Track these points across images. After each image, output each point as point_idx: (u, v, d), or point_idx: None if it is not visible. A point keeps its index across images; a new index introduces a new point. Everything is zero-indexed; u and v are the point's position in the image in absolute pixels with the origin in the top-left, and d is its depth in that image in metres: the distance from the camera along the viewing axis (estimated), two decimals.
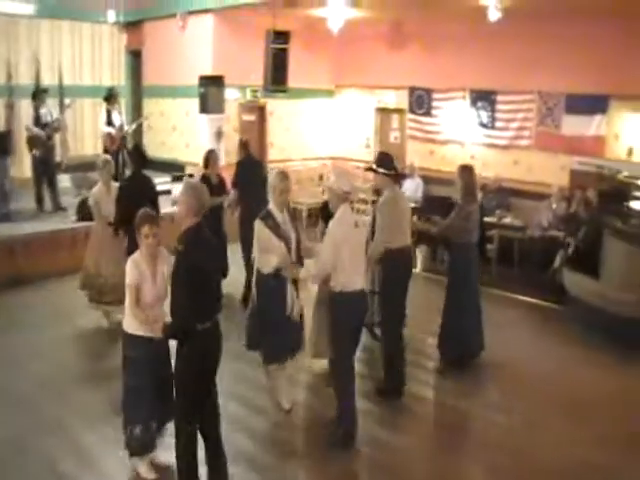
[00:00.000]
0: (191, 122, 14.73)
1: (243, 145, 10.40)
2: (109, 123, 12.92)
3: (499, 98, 13.65)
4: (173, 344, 5.09)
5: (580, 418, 6.93)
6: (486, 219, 11.12)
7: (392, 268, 7.02)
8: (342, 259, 5.78)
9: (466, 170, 7.71)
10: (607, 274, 9.49)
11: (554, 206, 11.76)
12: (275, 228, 6.25)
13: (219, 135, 13.99)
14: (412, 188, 13.49)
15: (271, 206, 6.41)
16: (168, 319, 5.03)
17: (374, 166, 6.99)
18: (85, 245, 9.24)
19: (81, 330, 8.84)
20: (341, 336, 6.01)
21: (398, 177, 7.32)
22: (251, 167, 10.12)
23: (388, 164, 6.96)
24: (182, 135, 15.20)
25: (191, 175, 13.06)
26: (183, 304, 4.74)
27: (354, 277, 5.87)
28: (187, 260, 4.76)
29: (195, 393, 4.98)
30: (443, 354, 8.00)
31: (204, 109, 13.95)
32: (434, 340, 8.15)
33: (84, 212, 11.19)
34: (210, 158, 9.87)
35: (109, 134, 12.90)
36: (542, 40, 12.80)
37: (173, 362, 5.10)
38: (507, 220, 11.90)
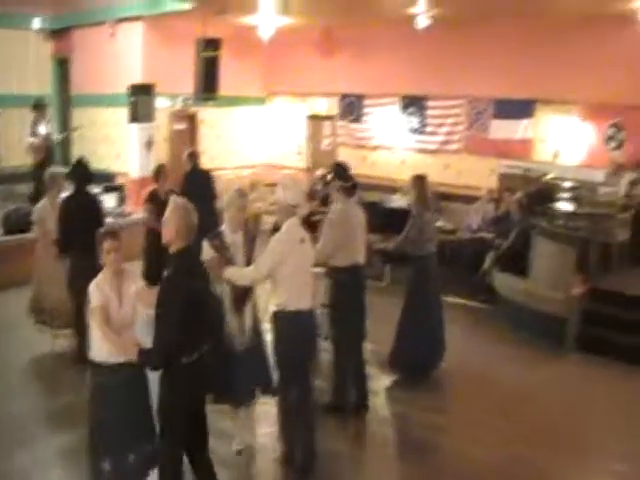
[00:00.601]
0: (122, 131, 14.55)
1: (191, 156, 10.20)
2: (34, 133, 12.63)
3: (429, 104, 13.94)
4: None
5: (512, 414, 7.12)
6: None
7: (340, 287, 6.69)
8: (285, 276, 5.45)
9: (419, 180, 7.54)
10: (535, 273, 9.78)
11: (483, 208, 12.03)
12: (221, 250, 5.72)
13: (149, 145, 13.84)
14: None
15: (224, 225, 5.93)
16: (145, 343, 4.62)
17: (335, 179, 6.78)
18: (17, 258, 8.87)
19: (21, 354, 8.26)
20: (285, 360, 5.62)
21: (354, 189, 6.92)
22: (200, 179, 9.91)
23: (344, 175, 6.76)
24: (113, 145, 14.98)
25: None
26: (168, 333, 4.36)
27: (299, 296, 5.52)
28: (175, 286, 4.41)
29: (180, 427, 4.60)
30: (396, 365, 7.84)
31: (134, 118, 13.76)
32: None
33: (10, 225, 10.95)
34: (161, 172, 9.37)
35: (32, 144, 12.57)
36: (471, 46, 13.18)
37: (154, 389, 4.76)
38: (438, 223, 12.04)
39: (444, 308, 8.05)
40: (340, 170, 6.83)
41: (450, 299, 10.66)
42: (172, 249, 4.56)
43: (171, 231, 4.54)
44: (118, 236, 4.98)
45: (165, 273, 4.49)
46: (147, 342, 4.61)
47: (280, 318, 5.57)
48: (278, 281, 5.49)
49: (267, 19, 12.35)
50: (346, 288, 6.67)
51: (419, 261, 7.60)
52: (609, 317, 8.80)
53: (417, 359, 7.66)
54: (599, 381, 8.03)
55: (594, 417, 7.18)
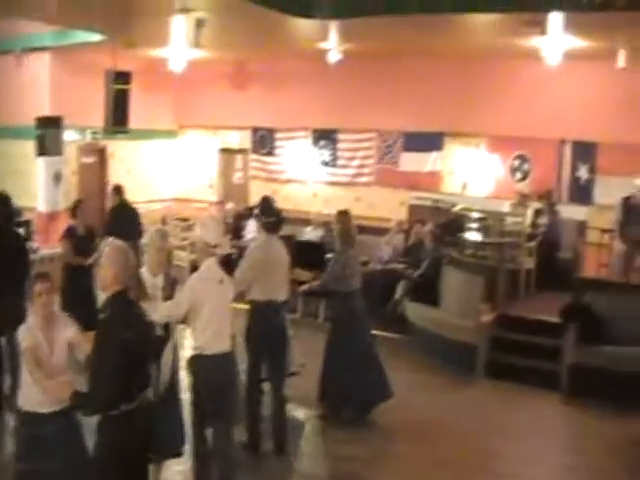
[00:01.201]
0: (30, 165, 14.09)
1: (116, 190, 9.92)
2: None
3: (340, 137, 14.13)
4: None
5: (427, 441, 7.14)
6: (329, 255, 11.34)
7: (256, 321, 6.59)
8: (202, 318, 5.26)
9: (343, 215, 7.52)
10: (446, 302, 9.94)
11: (394, 240, 12.16)
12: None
13: (57, 178, 13.46)
14: (254, 229, 13.46)
15: (143, 268, 5.58)
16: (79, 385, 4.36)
17: (259, 214, 6.75)
18: None
19: None
20: (199, 405, 5.46)
21: (277, 225, 6.79)
22: (126, 215, 9.69)
23: (269, 210, 6.76)
24: (21, 178, 14.46)
25: None
26: (105, 380, 4.10)
27: (217, 339, 5.34)
28: (110, 331, 4.17)
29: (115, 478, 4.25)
30: (325, 402, 7.63)
31: (42, 151, 13.35)
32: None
33: None
34: (79, 207, 9.06)
35: None
36: (381, 80, 13.48)
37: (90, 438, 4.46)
38: None
39: (375, 345, 7.80)
40: (265, 206, 6.87)
41: None
42: (108, 292, 4.31)
43: (107, 275, 4.29)
44: (49, 278, 4.73)
45: (100, 317, 4.27)
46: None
47: (197, 362, 5.39)
48: (195, 323, 5.32)
49: (178, 52, 12.26)
50: (262, 323, 6.56)
51: (344, 298, 7.46)
52: (516, 342, 8.99)
53: (342, 395, 7.47)
54: (508, 405, 8.16)
55: (505, 439, 7.28)
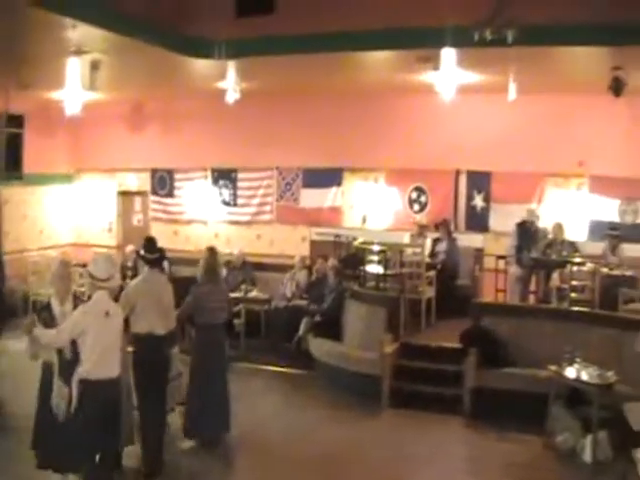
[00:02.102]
0: None
1: None
2: None
3: (240, 175, 14.12)
4: None
5: (335, 474, 7.13)
6: (233, 295, 11.28)
7: (137, 354, 6.85)
8: (87, 346, 5.54)
9: (209, 252, 7.86)
10: (350, 336, 9.96)
11: (297, 276, 12.14)
12: (50, 322, 5.86)
13: None
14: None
15: (52, 297, 6.06)
16: None
17: (142, 252, 7.14)
18: None
19: None
20: (84, 430, 5.58)
21: (157, 261, 7.24)
22: None
23: (152, 248, 7.14)
24: None
25: None
26: None
27: (101, 365, 5.59)
28: None
29: None
30: (190, 434, 7.69)
31: None
32: None
33: None
34: None
35: None
36: (279, 119, 13.59)
37: None
38: (253, 294, 12.04)
39: (228, 379, 7.92)
40: (147, 244, 7.20)
41: (269, 368, 10.67)
42: None
43: None
44: None
45: None
46: None
47: (83, 386, 5.61)
48: (82, 350, 5.59)
49: (73, 94, 12.01)
50: (143, 355, 6.80)
51: (206, 329, 7.65)
52: (419, 370, 9.06)
53: (206, 426, 7.62)
54: (414, 432, 8.17)
55: (412, 467, 7.29)
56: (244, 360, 10.79)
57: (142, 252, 7.16)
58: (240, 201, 14.13)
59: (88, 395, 5.58)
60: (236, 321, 11.08)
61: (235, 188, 14.16)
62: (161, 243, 13.54)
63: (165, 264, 13.03)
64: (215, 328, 7.67)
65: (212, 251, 7.89)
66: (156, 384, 6.88)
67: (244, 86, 11.49)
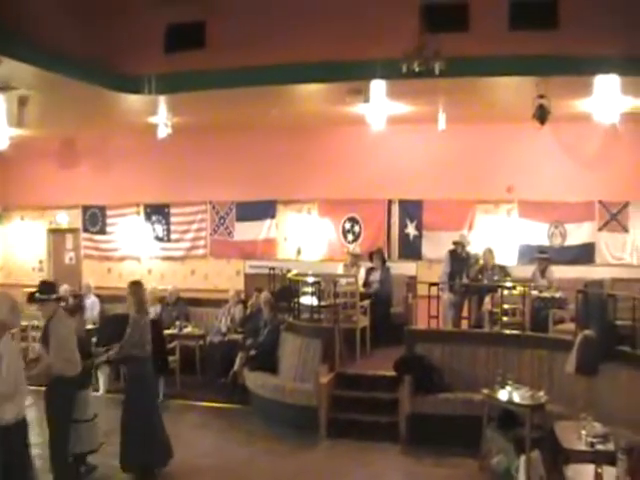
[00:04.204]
0: None
1: None
2: None
3: (173, 211, 14.03)
4: None
5: None
6: (167, 331, 11.21)
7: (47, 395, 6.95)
8: None
9: (135, 286, 7.84)
10: (285, 368, 9.90)
11: (231, 310, 12.06)
12: None
13: None
14: (88, 308, 12.99)
15: None
16: None
17: (37, 295, 7.04)
18: None
19: None
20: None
21: (59, 301, 7.41)
22: None
23: (49, 290, 7.12)
24: None
25: None
26: None
27: (5, 407, 5.39)
28: None
29: None
30: (126, 467, 7.54)
31: None
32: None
33: None
34: None
35: None
36: (212, 153, 13.62)
37: None
38: (187, 330, 11.89)
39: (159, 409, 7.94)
40: (44, 286, 7.20)
41: (205, 404, 10.53)
42: None
43: None
44: None
45: None
46: None
47: None
48: None
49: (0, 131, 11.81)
50: (55, 397, 6.87)
51: (140, 362, 7.62)
52: (355, 400, 9.05)
53: (143, 459, 7.52)
54: (351, 462, 8.14)
55: None
56: (179, 397, 10.66)
57: (40, 295, 7.06)
58: (173, 236, 14.05)
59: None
60: (171, 358, 10.97)
61: (168, 223, 14.08)
62: (94, 281, 13.69)
63: (89, 303, 12.93)
64: (150, 359, 7.68)
65: (138, 284, 7.88)
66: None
67: (176, 121, 11.50)
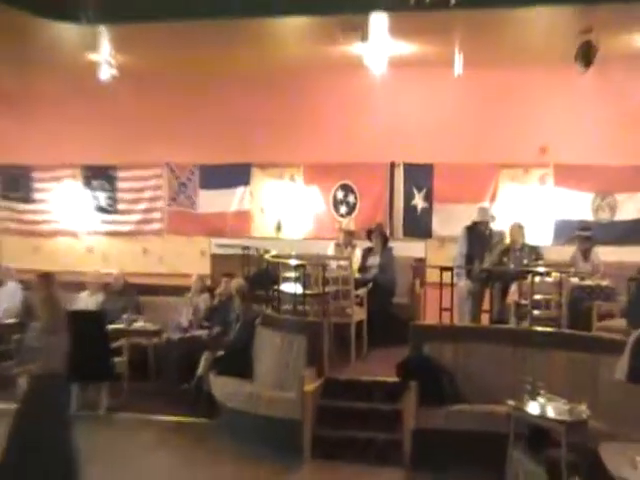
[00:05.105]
0: None
1: None
2: None
3: (120, 174, 14.03)
4: None
5: None
6: (112, 326, 11.21)
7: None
8: None
9: (46, 279, 7.42)
10: (262, 372, 9.93)
11: (194, 300, 12.05)
12: None
13: None
14: (7, 297, 12.93)
15: None
16: None
17: None
18: None
19: None
20: None
21: None
22: None
23: None
24: None
25: None
26: None
27: None
28: None
29: None
30: None
31: None
32: None
33: None
34: None
35: None
36: (171, 103, 13.57)
37: None
38: (138, 324, 11.86)
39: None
40: None
41: (161, 418, 10.55)
42: None
43: None
44: None
45: None
46: None
47: None
48: None
49: None
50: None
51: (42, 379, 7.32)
52: (348, 411, 9.07)
53: None
54: None
55: None
56: (128, 409, 10.67)
57: None
58: (121, 207, 14.08)
59: None
60: (117, 360, 10.98)
61: (114, 190, 14.11)
62: (16, 263, 13.56)
63: (8, 290, 12.83)
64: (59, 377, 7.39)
65: (50, 278, 7.41)
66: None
67: (123, 61, 11.38)
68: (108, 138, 13.87)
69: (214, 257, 12.93)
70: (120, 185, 14.07)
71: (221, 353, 10.63)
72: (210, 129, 13.39)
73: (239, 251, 12.18)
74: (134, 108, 13.56)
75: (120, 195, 14.07)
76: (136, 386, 11.33)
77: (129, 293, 12.53)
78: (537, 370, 8.27)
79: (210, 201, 13.61)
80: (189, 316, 11.89)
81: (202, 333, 11.40)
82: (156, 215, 13.91)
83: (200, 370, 10.74)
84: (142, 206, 13.97)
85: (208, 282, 12.41)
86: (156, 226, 13.90)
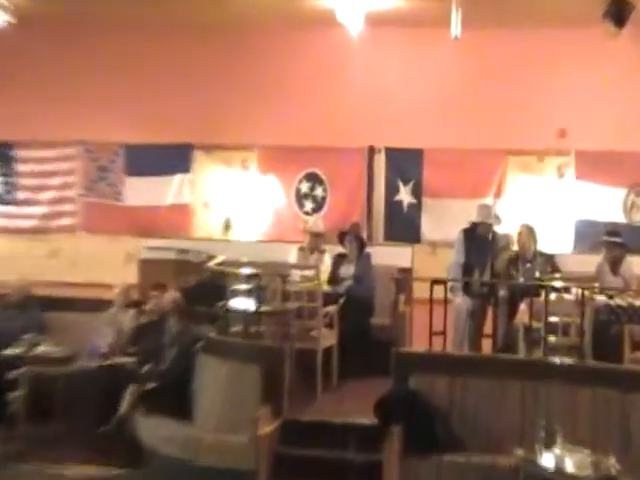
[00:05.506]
0: None
1: None
2: None
3: (20, 154, 14.05)
4: None
5: None
6: (6, 352, 11.19)
7: None
8: None
9: None
10: (203, 411, 9.89)
11: (118, 318, 11.99)
12: None
13: None
14: None
15: None
16: None
17: None
18: None
19: None
20: None
21: None
22: None
23: None
24: None
25: None
26: None
27: None
28: None
29: None
30: None
31: None
32: None
33: None
34: None
35: None
36: (86, 65, 13.57)
37: None
38: (42, 349, 11.76)
39: None
40: None
41: (69, 470, 10.46)
42: None
43: None
44: None
45: None
46: None
47: None
48: None
49: None
50: None
51: None
52: (312, 461, 8.98)
53: None
54: None
55: None
56: (26, 459, 10.50)
57: None
58: (20, 196, 14.11)
59: None
60: (11, 395, 10.88)
61: (11, 175, 14.09)
62: None
63: None
64: None
65: None
66: None
67: (23, 5, 11.28)
68: (4, 108, 13.78)
69: (143, 263, 12.81)
70: (19, 168, 14.08)
71: (151, 386, 10.61)
72: (140, 98, 13.45)
73: (176, 256, 12.23)
74: (38, 67, 13.54)
75: (19, 181, 14.08)
76: (37, 429, 11.26)
77: (30, 308, 12.40)
78: (553, 412, 8.30)
79: (139, 191, 13.66)
80: (110, 339, 11.84)
81: (127, 361, 11.33)
82: (67, 208, 13.92)
83: (124, 408, 10.70)
84: (49, 195, 13.97)
85: (135, 295, 12.33)
86: (67, 222, 13.90)
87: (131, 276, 12.74)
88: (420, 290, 11.15)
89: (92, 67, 13.48)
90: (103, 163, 13.78)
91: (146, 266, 12.75)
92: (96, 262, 13.40)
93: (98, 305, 12.25)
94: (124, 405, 10.75)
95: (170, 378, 10.47)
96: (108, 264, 13.24)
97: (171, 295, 11.20)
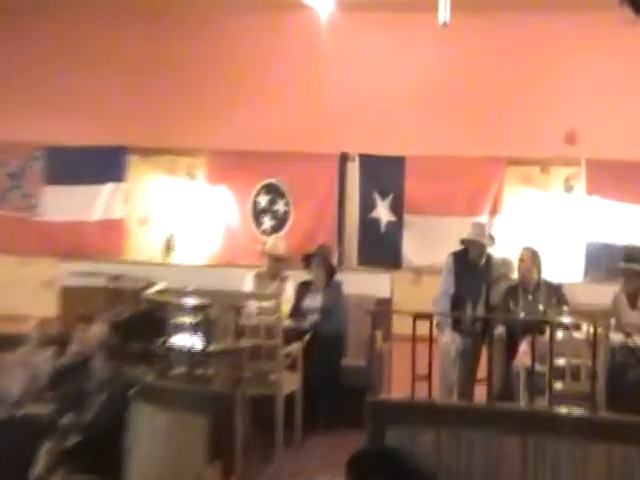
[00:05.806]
0: None
1: None
2: None
3: None
4: None
5: None
6: None
7: None
8: None
9: None
10: (137, 472, 9.79)
11: (34, 359, 11.92)
12: None
13: None
14: None
15: None
16: None
17: None
18: None
19: None
20: None
21: None
22: None
23: None
24: None
25: None
26: None
27: None
28: None
29: None
30: None
31: None
32: None
33: None
34: None
35: None
36: (7, 55, 13.68)
37: None
38: None
39: None
40: None
41: None
42: None
43: None
44: None
45: None
46: None
47: None
48: None
49: None
50: None
51: None
52: None
53: None
54: None
55: None
56: None
57: None
58: None
59: None
60: None
61: None
62: None
63: None
64: None
65: None
66: None
67: None
68: None
69: (65, 290, 12.86)
70: None
71: (73, 441, 10.55)
72: (64, 90, 13.50)
73: (105, 282, 12.21)
74: None
75: None
76: None
77: None
78: (560, 473, 8.30)
79: (61, 203, 13.64)
80: (23, 383, 11.77)
81: (44, 410, 11.28)
82: None
83: (38, 469, 10.62)
84: None
85: (55, 330, 12.24)
86: None
87: (50, 307, 12.73)
88: (401, 325, 11.14)
89: (16, 56, 13.49)
90: (14, 169, 13.76)
91: (68, 294, 12.77)
92: (6, 289, 13.32)
93: (8, 343, 12.19)
94: (39, 464, 10.69)
95: (96, 431, 10.35)
96: (21, 292, 13.19)
97: (99, 330, 11.12)
